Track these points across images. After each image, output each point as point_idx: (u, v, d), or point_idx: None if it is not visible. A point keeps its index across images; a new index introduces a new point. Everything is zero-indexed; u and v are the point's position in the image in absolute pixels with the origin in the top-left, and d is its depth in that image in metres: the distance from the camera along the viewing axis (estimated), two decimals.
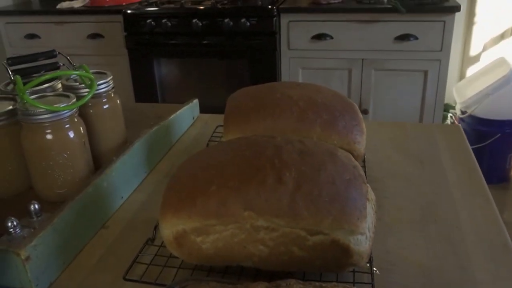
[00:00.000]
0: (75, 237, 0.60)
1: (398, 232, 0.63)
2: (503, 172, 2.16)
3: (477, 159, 0.78)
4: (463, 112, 2.15)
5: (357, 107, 0.76)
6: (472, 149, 0.81)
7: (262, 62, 2.14)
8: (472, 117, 2.12)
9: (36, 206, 0.59)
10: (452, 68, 2.46)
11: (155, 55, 2.26)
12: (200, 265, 0.56)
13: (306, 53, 2.14)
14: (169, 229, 0.54)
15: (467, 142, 0.86)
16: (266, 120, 0.71)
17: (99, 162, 0.72)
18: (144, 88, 2.32)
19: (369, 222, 0.52)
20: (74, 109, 0.64)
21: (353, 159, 0.56)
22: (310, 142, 0.57)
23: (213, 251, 0.53)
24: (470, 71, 2.48)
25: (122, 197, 0.70)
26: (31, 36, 2.41)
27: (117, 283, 0.55)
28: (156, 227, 0.61)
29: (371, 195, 0.55)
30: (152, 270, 0.56)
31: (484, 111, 2.09)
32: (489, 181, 0.73)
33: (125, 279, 0.54)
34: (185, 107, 0.93)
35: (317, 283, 0.40)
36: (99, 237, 0.64)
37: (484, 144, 2.06)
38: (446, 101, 2.38)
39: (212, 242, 0.53)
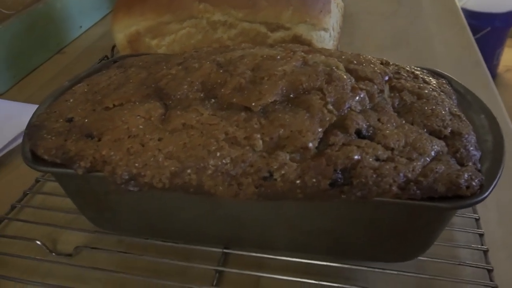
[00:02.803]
0: (26, 54, 0.56)
1: (367, 54, 0.60)
2: (491, 68, 2.13)
3: None
4: None
5: None
6: None
7: None
8: (463, 10, 2.05)
9: None
10: None
11: None
12: None
13: None
14: (122, 32, 0.50)
15: None
16: None
17: None
18: None
19: (333, 20, 0.48)
20: None
21: None
22: None
23: None
24: None
25: (80, 27, 0.66)
26: None
27: None
28: (114, 47, 0.58)
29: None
30: None
31: (475, 4, 2.01)
32: None
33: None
34: None
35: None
36: (54, 61, 0.61)
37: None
38: None
39: (168, 45, 0.50)
